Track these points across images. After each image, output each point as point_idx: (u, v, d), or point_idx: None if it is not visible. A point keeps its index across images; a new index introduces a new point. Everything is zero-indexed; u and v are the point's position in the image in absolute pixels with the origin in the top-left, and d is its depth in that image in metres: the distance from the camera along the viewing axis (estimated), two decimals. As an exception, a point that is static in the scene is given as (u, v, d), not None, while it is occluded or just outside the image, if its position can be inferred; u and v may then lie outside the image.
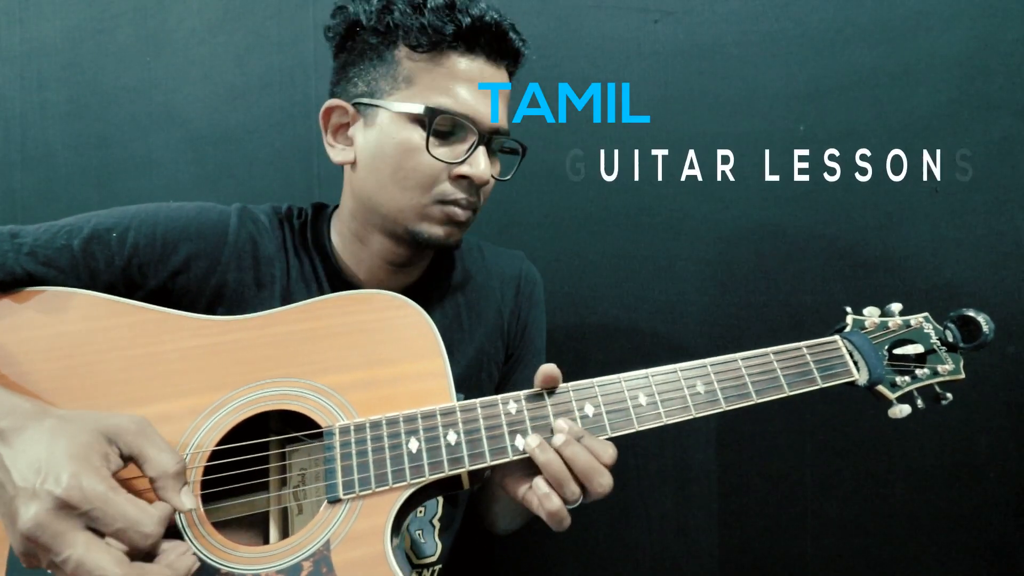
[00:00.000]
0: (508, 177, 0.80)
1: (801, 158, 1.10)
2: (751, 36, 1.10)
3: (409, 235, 0.75)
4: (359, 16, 0.73)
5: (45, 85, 1.16)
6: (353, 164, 0.76)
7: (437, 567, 0.80)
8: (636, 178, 1.13)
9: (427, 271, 0.86)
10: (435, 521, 0.81)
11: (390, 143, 0.72)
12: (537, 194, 1.14)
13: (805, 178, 1.10)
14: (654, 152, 1.12)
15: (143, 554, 0.51)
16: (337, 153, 0.78)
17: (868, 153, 1.09)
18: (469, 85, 0.72)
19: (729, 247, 1.12)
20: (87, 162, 1.16)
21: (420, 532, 0.80)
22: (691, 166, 1.12)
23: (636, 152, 1.12)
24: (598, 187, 1.13)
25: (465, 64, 0.72)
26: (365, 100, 0.74)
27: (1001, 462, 1.10)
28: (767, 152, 1.10)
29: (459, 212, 0.74)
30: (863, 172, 1.09)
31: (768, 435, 1.14)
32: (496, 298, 0.90)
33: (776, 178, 1.11)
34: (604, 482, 0.60)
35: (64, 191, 1.17)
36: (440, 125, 0.71)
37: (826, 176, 1.10)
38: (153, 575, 0.50)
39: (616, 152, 1.12)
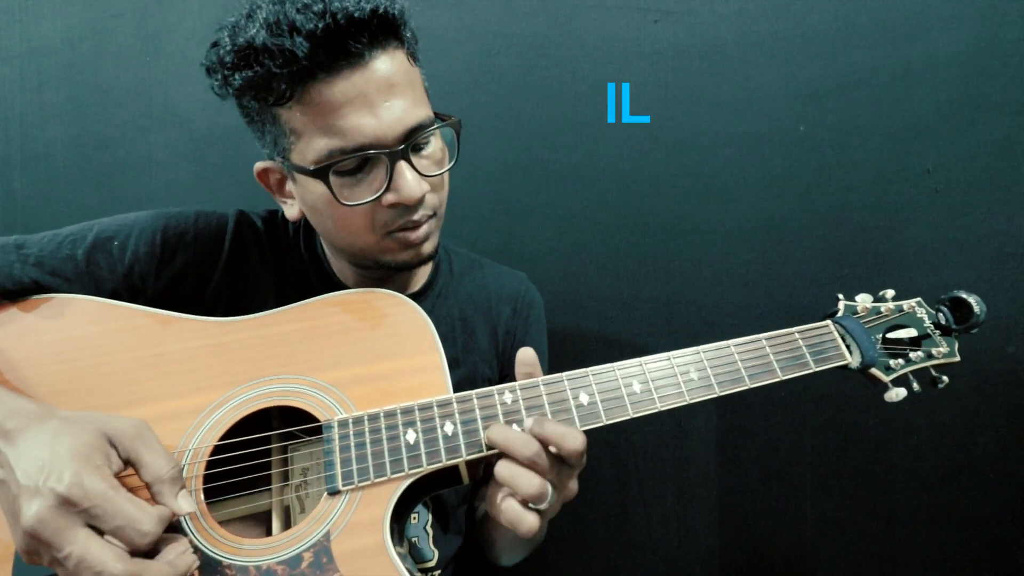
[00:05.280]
0: (453, 163, 0.72)
1: (801, 158, 1.10)
2: (751, 36, 1.10)
3: (381, 265, 0.74)
4: (219, 82, 0.66)
5: (45, 85, 1.16)
6: (303, 216, 0.75)
7: (436, 572, 0.81)
8: (636, 178, 1.13)
9: (422, 287, 0.86)
10: (428, 528, 0.81)
11: (314, 198, 0.68)
12: (536, 194, 1.14)
13: (805, 178, 1.10)
14: (654, 152, 1.12)
15: (143, 552, 0.51)
16: (287, 209, 0.75)
17: (868, 153, 1.09)
18: (351, 108, 0.62)
19: (729, 247, 1.12)
20: (87, 162, 1.17)
21: (416, 539, 0.80)
22: (691, 166, 1.12)
23: (636, 152, 1.12)
24: (598, 187, 1.13)
25: (333, 89, 0.62)
26: (278, 159, 0.69)
27: (1001, 462, 1.10)
28: (767, 152, 1.10)
29: (412, 235, 0.70)
30: (863, 172, 1.09)
31: (768, 435, 1.14)
32: (491, 317, 0.89)
33: (776, 178, 1.11)
34: (576, 437, 0.57)
35: (64, 191, 1.17)
36: (343, 167, 0.65)
37: (826, 176, 1.10)
38: (153, 571, 0.50)
39: (616, 152, 1.12)
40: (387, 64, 0.64)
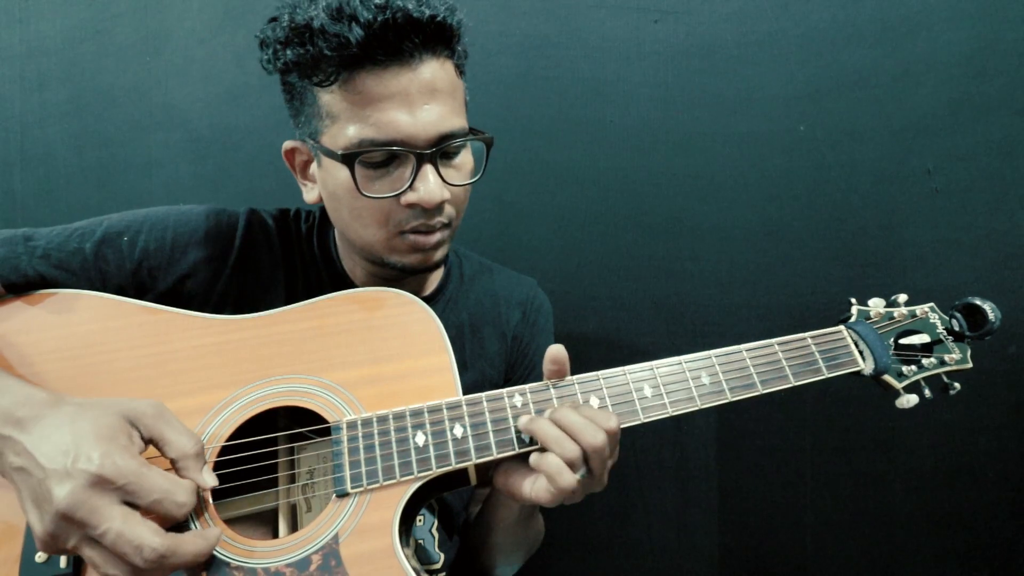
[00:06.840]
0: (478, 177, 0.73)
1: (801, 158, 1.10)
2: (751, 36, 1.10)
3: (386, 264, 0.74)
4: (268, 56, 0.68)
5: (45, 85, 1.16)
6: (320, 201, 0.75)
7: (442, 574, 0.80)
8: (636, 178, 1.13)
9: (433, 291, 0.85)
10: (434, 531, 0.81)
11: (335, 184, 0.69)
12: (537, 194, 1.14)
13: (805, 178, 1.10)
14: (654, 152, 1.12)
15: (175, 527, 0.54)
16: (307, 192, 0.76)
17: (868, 153, 1.09)
18: (390, 103, 0.64)
19: (729, 247, 1.12)
20: (87, 162, 1.16)
21: (423, 541, 0.80)
22: (691, 166, 1.12)
23: (636, 152, 1.12)
24: (598, 187, 1.13)
25: (378, 82, 0.63)
26: (309, 141, 0.71)
27: (1001, 462, 1.10)
28: (767, 152, 1.10)
29: (423, 239, 0.71)
30: (863, 172, 1.09)
31: (768, 435, 1.14)
32: (501, 322, 0.88)
33: (776, 178, 1.11)
34: (598, 435, 0.58)
35: (64, 191, 1.17)
36: (370, 159, 0.66)
37: (826, 176, 1.10)
38: (187, 543, 0.52)
39: (616, 152, 1.12)
40: (434, 70, 0.66)
